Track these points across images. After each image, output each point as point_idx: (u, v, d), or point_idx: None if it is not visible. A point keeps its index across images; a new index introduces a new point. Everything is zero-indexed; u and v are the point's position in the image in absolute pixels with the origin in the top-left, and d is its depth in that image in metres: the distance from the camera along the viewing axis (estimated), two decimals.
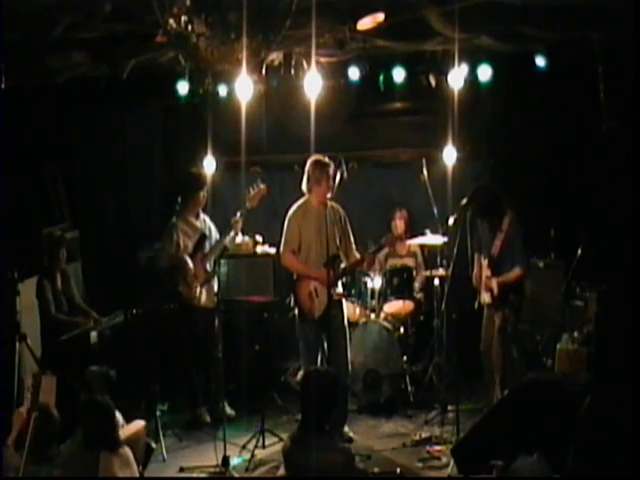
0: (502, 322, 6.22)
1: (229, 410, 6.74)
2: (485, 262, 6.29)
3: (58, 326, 6.67)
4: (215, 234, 6.84)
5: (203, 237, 6.74)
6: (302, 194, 6.52)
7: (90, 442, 4.38)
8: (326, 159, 6.32)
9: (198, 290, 6.69)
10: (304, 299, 6.34)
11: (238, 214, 6.66)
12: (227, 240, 6.76)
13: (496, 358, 6.24)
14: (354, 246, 6.54)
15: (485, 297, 6.33)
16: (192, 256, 6.72)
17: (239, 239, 7.02)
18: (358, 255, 6.52)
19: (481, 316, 6.49)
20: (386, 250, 7.35)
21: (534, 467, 4.30)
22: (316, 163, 6.29)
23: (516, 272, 6.16)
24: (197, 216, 6.87)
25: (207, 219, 6.92)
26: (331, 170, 6.28)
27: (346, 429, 6.37)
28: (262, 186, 6.69)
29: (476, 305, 6.51)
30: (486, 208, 6.23)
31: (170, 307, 7.06)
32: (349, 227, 6.54)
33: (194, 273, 6.67)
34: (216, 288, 6.63)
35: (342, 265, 6.45)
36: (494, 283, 6.20)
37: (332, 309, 6.27)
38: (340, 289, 6.54)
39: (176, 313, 6.88)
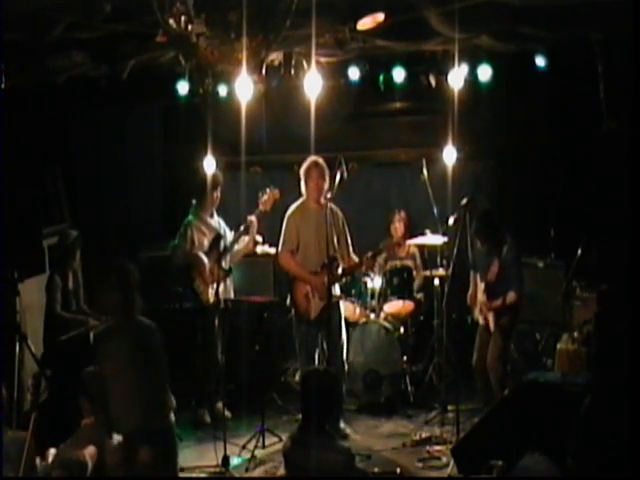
0: (498, 335, 6.23)
1: (226, 411, 6.75)
2: (481, 286, 6.31)
3: (62, 324, 6.66)
4: (229, 235, 6.84)
5: (218, 236, 6.74)
6: (302, 194, 6.55)
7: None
8: (318, 159, 6.37)
9: (214, 288, 6.68)
10: (300, 299, 6.39)
11: (253, 217, 6.68)
12: (243, 242, 6.79)
13: (492, 365, 6.22)
14: (351, 249, 6.61)
15: (480, 319, 6.38)
16: (207, 254, 6.73)
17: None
18: (356, 258, 6.61)
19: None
20: (385, 253, 7.39)
21: (541, 466, 4.31)
22: (309, 163, 6.38)
23: (510, 297, 6.15)
24: (211, 215, 6.88)
25: (221, 221, 6.93)
26: (319, 170, 6.34)
27: (342, 425, 6.37)
28: (275, 191, 6.73)
29: (469, 320, 6.53)
30: (485, 233, 6.23)
31: (172, 307, 7.06)
32: (347, 230, 6.60)
33: (210, 270, 6.65)
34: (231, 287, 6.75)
35: (339, 267, 6.49)
36: (490, 314, 6.23)
37: (330, 309, 6.30)
38: (338, 291, 6.59)
39: (186, 312, 6.88)
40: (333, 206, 6.51)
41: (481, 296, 6.31)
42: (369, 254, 6.55)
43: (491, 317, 6.24)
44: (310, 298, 6.35)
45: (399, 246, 7.55)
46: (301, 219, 6.39)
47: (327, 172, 6.36)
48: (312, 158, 6.38)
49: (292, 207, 6.49)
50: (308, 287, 6.35)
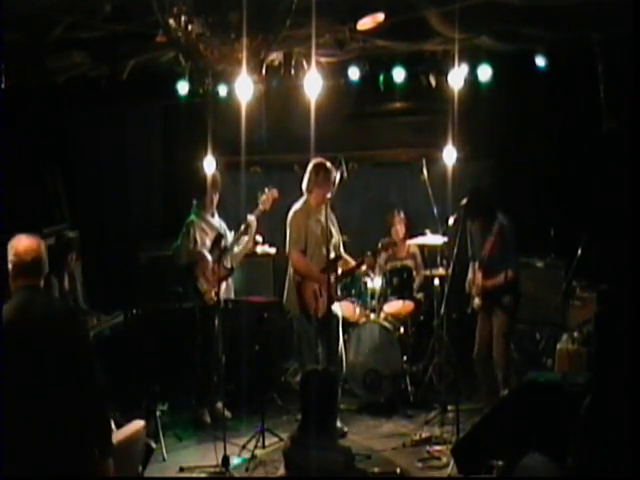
0: (500, 324, 6.25)
1: (226, 411, 6.76)
2: (477, 265, 6.33)
3: None
4: (229, 235, 6.85)
5: (220, 236, 6.76)
6: (302, 194, 6.57)
7: None
8: (329, 164, 6.46)
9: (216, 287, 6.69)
10: (309, 297, 6.43)
11: (253, 216, 6.70)
12: (243, 242, 6.81)
13: (499, 359, 6.24)
14: (342, 249, 6.73)
15: (477, 301, 6.39)
16: (210, 253, 6.73)
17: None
18: (350, 259, 6.73)
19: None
20: (384, 254, 7.43)
21: (541, 466, 4.31)
22: (319, 166, 6.45)
23: (509, 274, 6.15)
24: (213, 215, 6.89)
25: (222, 221, 6.94)
26: (333, 175, 6.44)
27: (339, 424, 6.38)
28: (274, 190, 6.76)
29: (469, 310, 6.54)
30: (476, 211, 6.25)
31: (172, 307, 7.07)
32: (339, 230, 6.74)
33: (212, 270, 6.65)
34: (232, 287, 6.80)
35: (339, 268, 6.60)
36: (481, 284, 6.27)
37: (331, 310, 6.42)
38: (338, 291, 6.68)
39: (186, 312, 6.89)
40: (328, 207, 6.59)
41: (477, 275, 6.33)
42: (369, 253, 6.63)
43: (482, 283, 6.26)
44: (318, 296, 6.39)
45: (398, 246, 7.58)
46: (308, 219, 6.47)
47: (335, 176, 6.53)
48: (326, 162, 6.47)
49: (296, 207, 6.54)
50: (317, 285, 6.39)
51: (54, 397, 3.59)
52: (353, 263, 6.73)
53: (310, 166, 6.46)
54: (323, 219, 6.29)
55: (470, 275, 6.49)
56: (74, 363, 3.64)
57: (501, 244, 6.20)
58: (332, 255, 6.51)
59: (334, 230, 6.64)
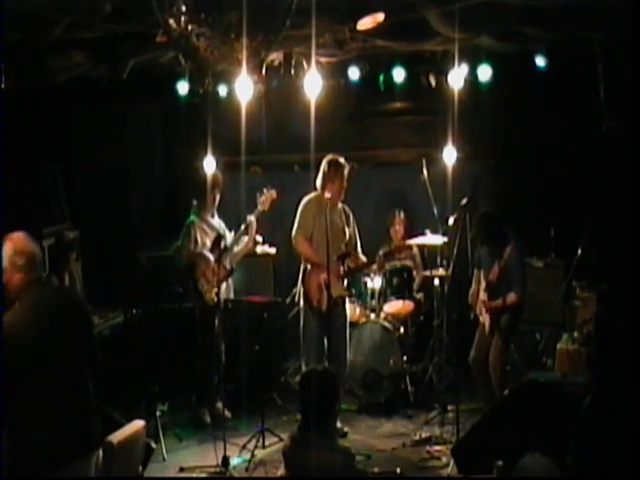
0: (501, 334, 6.25)
1: (226, 411, 6.76)
2: (483, 284, 6.32)
3: None
4: (228, 236, 6.85)
5: (219, 236, 6.76)
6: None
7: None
8: (342, 159, 6.51)
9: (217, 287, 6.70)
10: (314, 291, 6.45)
11: (253, 217, 6.70)
12: (243, 242, 6.81)
13: (494, 361, 6.23)
14: (359, 248, 6.74)
15: (480, 317, 6.40)
16: (210, 254, 6.73)
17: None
18: (363, 257, 6.76)
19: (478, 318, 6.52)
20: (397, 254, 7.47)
21: (541, 466, 4.31)
22: (331, 162, 6.51)
23: (511, 298, 6.12)
24: (212, 215, 6.89)
25: (221, 221, 6.94)
26: (346, 171, 6.49)
27: (339, 424, 6.38)
28: (272, 191, 6.77)
29: (471, 316, 6.55)
30: (487, 235, 6.25)
31: (172, 307, 7.07)
32: (356, 229, 6.74)
33: (214, 270, 6.65)
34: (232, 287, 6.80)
35: (348, 265, 6.62)
36: (486, 315, 6.26)
37: (337, 305, 6.45)
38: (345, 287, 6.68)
39: (186, 312, 6.89)
40: (345, 206, 6.70)
41: (482, 294, 6.32)
42: (381, 253, 6.69)
43: (487, 318, 6.25)
44: (323, 290, 6.38)
45: (409, 249, 7.60)
46: (317, 212, 6.48)
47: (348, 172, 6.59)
48: (339, 158, 6.53)
49: (307, 198, 6.59)
50: (322, 278, 6.37)
51: (74, 372, 3.86)
52: (365, 260, 6.75)
53: (323, 162, 6.53)
54: (336, 218, 6.40)
55: (474, 287, 6.48)
56: (89, 341, 3.99)
57: (510, 268, 6.17)
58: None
59: (347, 229, 6.65)
